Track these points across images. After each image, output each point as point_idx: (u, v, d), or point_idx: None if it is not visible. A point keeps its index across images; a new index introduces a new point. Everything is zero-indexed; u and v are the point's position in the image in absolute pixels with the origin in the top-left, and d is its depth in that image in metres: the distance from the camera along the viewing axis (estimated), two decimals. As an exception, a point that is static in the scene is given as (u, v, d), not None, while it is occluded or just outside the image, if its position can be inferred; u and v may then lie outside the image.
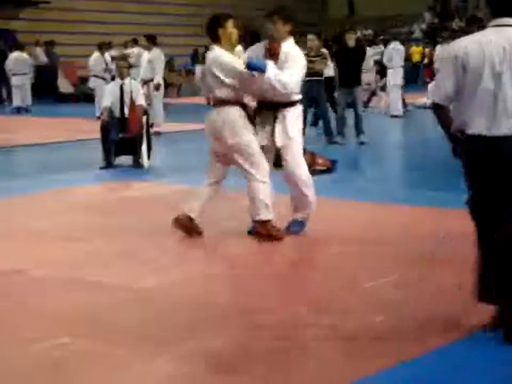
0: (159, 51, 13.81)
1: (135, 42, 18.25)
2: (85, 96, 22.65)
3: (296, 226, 6.22)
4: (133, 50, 16.90)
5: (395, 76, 16.81)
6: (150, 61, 13.67)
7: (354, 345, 3.90)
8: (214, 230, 6.24)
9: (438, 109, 4.11)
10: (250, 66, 5.87)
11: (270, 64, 5.88)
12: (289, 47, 6.13)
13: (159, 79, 13.57)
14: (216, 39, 6.02)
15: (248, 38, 21.23)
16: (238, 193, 6.45)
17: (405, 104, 18.14)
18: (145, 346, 3.91)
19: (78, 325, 4.22)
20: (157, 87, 13.45)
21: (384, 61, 17.30)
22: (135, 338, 4.02)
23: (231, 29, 6.04)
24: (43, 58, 23.49)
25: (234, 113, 5.96)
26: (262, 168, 5.97)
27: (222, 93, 5.97)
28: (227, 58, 5.96)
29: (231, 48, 6.08)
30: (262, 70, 5.81)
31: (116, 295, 4.76)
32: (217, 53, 5.99)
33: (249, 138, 5.96)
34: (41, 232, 6.43)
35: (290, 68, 5.96)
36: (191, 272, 5.29)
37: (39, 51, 23.52)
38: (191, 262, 5.59)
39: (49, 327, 4.20)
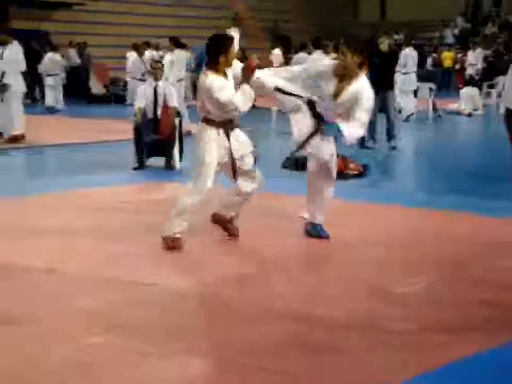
0: (183, 52, 13.84)
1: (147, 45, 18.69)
2: (115, 98, 22.87)
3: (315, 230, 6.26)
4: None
5: (408, 82, 16.76)
6: (172, 62, 13.73)
7: (380, 353, 3.91)
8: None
9: (510, 115, 4.04)
10: (327, 134, 5.95)
11: (343, 126, 5.84)
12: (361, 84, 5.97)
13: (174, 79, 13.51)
14: (215, 63, 5.78)
15: (280, 42, 21.21)
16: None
17: (435, 109, 18.07)
18: (177, 346, 3.95)
19: (111, 324, 4.26)
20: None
21: (397, 67, 17.28)
22: (168, 338, 4.06)
23: (233, 54, 5.86)
24: (76, 60, 23.70)
25: (210, 134, 5.87)
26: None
27: (210, 114, 5.87)
28: (224, 94, 5.72)
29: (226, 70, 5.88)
30: (340, 134, 5.86)
31: (149, 295, 4.80)
32: (213, 83, 5.73)
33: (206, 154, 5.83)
34: (73, 230, 6.49)
35: (361, 110, 5.91)
36: (223, 272, 5.31)
37: (72, 52, 23.75)
38: (223, 263, 5.62)
39: (82, 326, 4.24)
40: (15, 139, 12.46)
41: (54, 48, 20.30)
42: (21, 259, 5.55)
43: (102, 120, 17.31)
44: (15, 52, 12.55)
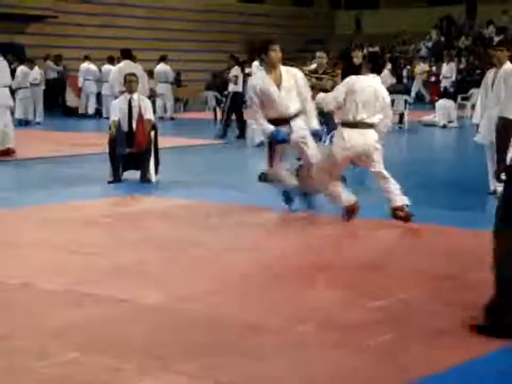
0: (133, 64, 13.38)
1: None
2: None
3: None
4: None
5: None
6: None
7: (360, 363, 3.90)
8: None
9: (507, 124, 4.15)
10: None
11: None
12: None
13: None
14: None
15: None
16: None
17: (401, 121, 18.28)
18: (153, 362, 3.90)
19: (88, 340, 4.20)
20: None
21: None
22: (144, 354, 4.01)
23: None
24: (52, 73, 23.60)
25: None
26: None
27: None
28: None
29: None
30: None
31: (126, 311, 4.75)
32: None
33: None
34: (46, 244, 6.44)
35: None
36: (195, 288, 5.28)
37: (50, 65, 23.63)
38: (198, 277, 5.57)
39: (57, 342, 4.18)
40: (5, 153, 12.38)
41: (25, 61, 20.16)
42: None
43: (78, 134, 17.24)
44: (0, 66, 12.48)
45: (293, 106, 7.55)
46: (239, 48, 23.56)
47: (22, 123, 19.17)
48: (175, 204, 8.34)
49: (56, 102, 23.26)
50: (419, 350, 4.03)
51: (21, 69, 19.54)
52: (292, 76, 7.62)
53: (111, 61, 21.07)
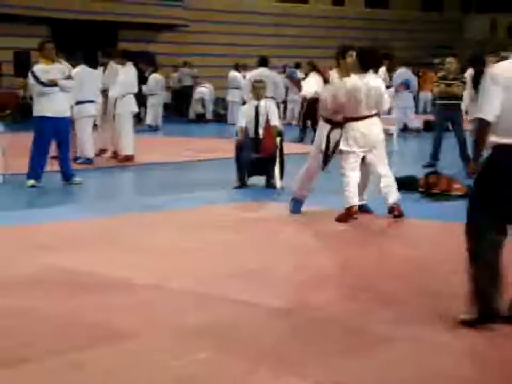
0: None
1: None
2: (216, 116, 23.21)
3: None
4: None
5: None
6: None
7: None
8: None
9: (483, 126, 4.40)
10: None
11: None
12: None
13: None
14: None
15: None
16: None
17: None
18: (283, 365, 3.92)
19: (220, 341, 4.26)
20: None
21: None
22: (273, 357, 4.04)
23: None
24: (187, 80, 24.11)
25: None
26: None
27: None
28: None
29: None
30: None
31: (256, 313, 4.80)
32: None
33: None
34: (176, 247, 6.60)
35: None
36: (324, 294, 5.25)
37: (186, 71, 24.15)
38: (328, 284, 5.54)
39: (190, 342, 4.26)
40: (125, 159, 12.82)
41: (157, 69, 20.91)
42: (128, 274, 5.66)
43: (203, 139, 17.56)
44: (129, 73, 12.91)
45: None
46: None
47: (152, 128, 19.78)
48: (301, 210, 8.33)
49: (186, 108, 23.81)
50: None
51: (154, 76, 20.28)
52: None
53: (237, 68, 21.43)
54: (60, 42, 10.73)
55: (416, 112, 20.89)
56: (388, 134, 14.84)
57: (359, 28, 30.85)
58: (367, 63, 7.54)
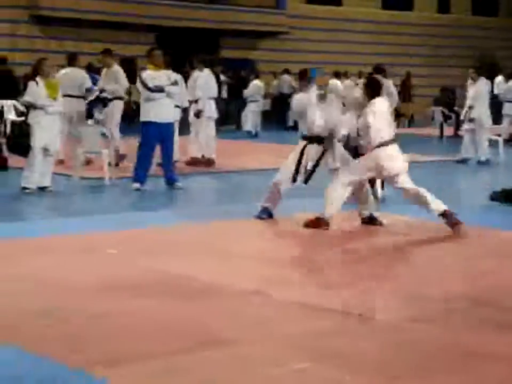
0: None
1: None
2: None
3: None
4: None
5: None
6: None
7: None
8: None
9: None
10: None
11: None
12: None
13: None
14: None
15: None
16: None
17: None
18: (384, 379, 3.88)
19: (319, 351, 4.24)
20: None
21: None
22: (373, 368, 4.01)
23: None
24: (287, 88, 24.14)
25: None
26: None
27: None
28: None
29: None
30: None
31: (356, 324, 4.78)
32: None
33: None
34: (267, 255, 6.60)
35: None
36: (424, 308, 5.17)
37: (282, 80, 24.21)
38: (427, 295, 5.45)
39: (290, 351, 4.26)
40: (209, 163, 12.95)
41: (258, 76, 21.20)
42: (226, 280, 5.70)
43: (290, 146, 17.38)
44: (207, 78, 13.09)
45: None
46: (473, 63, 22.94)
47: (250, 134, 19.95)
48: (398, 219, 8.23)
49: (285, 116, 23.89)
50: None
51: (255, 83, 20.55)
52: None
53: (338, 76, 21.37)
54: (164, 50, 10.98)
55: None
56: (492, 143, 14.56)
57: (464, 36, 30.19)
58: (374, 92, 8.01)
